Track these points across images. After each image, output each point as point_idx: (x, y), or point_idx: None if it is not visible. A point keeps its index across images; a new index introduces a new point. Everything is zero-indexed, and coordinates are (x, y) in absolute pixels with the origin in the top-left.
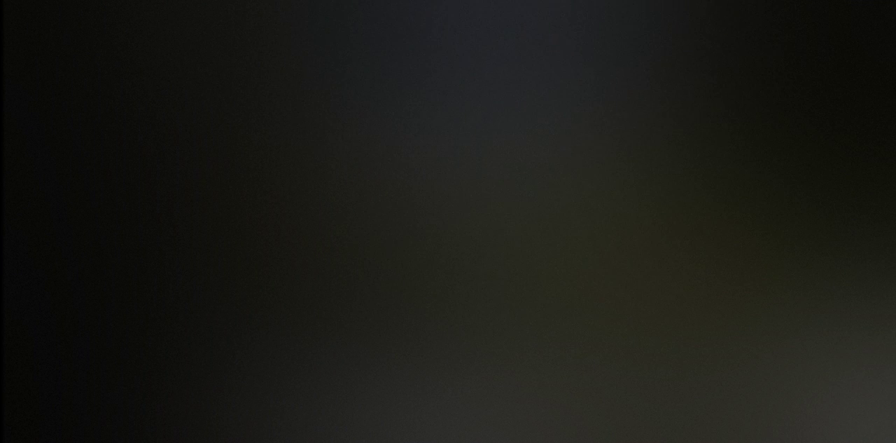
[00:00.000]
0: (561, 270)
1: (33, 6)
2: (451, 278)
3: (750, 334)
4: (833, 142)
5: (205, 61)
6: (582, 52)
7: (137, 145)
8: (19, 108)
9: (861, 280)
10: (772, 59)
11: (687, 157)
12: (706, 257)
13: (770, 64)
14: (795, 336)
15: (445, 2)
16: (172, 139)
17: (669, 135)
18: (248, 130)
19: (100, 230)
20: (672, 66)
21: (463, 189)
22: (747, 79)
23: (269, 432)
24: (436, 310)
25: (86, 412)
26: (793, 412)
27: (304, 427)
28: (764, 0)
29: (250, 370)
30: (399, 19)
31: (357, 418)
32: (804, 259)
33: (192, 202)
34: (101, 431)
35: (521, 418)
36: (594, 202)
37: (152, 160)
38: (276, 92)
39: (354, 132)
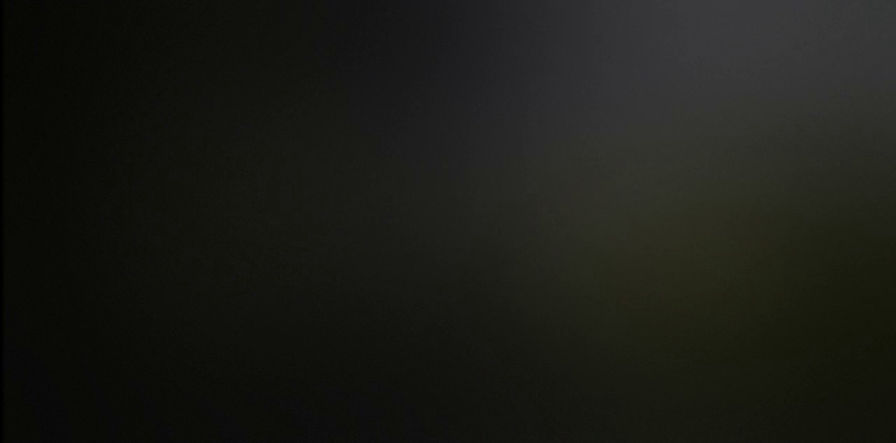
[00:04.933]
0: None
1: (33, 6)
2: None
3: (749, 333)
4: (831, 140)
5: (206, 61)
6: (583, 53)
7: (137, 146)
8: (19, 108)
9: (860, 278)
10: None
11: (688, 157)
12: (707, 257)
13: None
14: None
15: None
16: (172, 139)
17: (669, 135)
18: (249, 129)
19: (99, 228)
20: (673, 67)
21: (463, 189)
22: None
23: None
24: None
25: (86, 412)
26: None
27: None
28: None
29: None
30: (403, 20)
31: None
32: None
33: (192, 200)
34: (101, 430)
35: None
36: (593, 200)
37: (151, 159)
38: (277, 92)
39: (356, 131)
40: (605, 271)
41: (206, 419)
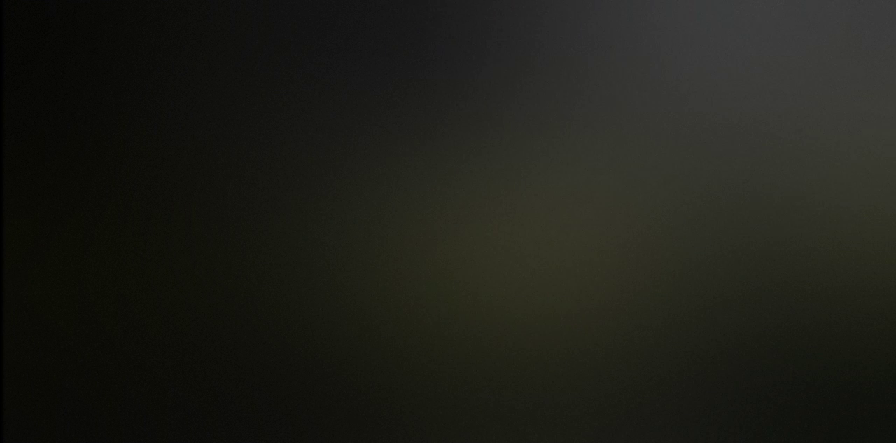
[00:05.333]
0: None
1: (33, 6)
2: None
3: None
4: (826, 141)
5: (206, 61)
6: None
7: (137, 146)
8: (19, 109)
9: (856, 281)
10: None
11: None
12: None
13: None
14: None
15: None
16: (171, 141)
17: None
18: (249, 129)
19: (99, 227)
20: (667, 67)
21: (463, 188)
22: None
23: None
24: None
25: (86, 412)
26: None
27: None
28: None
29: None
30: (401, 21)
31: None
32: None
33: (191, 200)
34: (103, 430)
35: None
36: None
37: (149, 160)
38: (278, 93)
39: (357, 133)
40: (605, 275)
41: (205, 419)
